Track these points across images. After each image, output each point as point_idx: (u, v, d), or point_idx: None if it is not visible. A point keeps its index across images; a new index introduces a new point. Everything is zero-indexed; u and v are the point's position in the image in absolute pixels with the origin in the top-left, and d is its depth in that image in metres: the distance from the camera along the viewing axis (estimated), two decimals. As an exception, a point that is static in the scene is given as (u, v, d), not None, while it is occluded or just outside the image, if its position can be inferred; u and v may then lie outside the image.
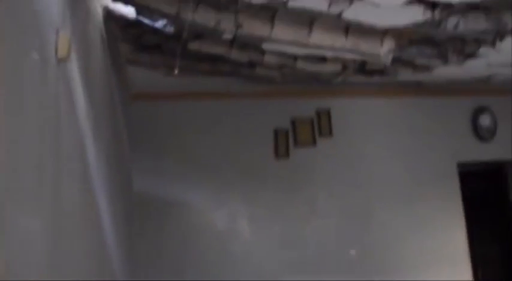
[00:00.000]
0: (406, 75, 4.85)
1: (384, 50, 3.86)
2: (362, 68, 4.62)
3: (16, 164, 1.69)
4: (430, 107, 6.49)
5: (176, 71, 4.93)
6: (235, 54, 4.21)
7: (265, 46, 3.89)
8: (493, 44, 3.80)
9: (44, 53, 3.00)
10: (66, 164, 2.63)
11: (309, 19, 3.51)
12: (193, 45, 4.26)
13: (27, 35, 2.66)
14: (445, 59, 4.24)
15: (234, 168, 5.93)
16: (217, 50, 4.19)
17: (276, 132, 6.05)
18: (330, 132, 6.12)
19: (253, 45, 3.95)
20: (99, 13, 4.82)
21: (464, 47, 4.02)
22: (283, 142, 6.02)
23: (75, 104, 3.37)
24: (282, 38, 3.60)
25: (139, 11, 4.11)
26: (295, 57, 4.24)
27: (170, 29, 4.37)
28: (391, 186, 6.17)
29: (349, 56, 3.96)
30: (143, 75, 5.75)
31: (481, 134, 6.62)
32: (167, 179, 5.87)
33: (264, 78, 5.06)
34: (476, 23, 3.48)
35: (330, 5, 3.06)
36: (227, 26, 3.57)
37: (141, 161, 5.72)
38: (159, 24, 4.36)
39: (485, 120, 6.66)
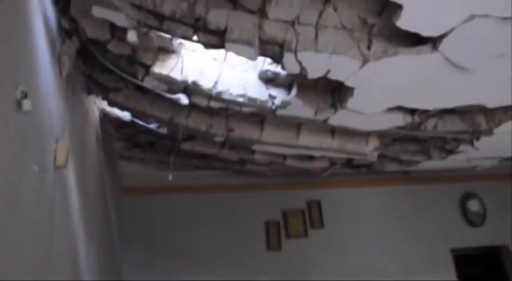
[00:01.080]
0: (392, 167, 5.02)
1: (369, 149, 4.04)
2: (349, 163, 4.78)
3: (12, 267, 1.75)
4: (418, 194, 6.61)
5: (169, 167, 5.06)
6: (226, 154, 4.37)
7: (256, 147, 4.05)
8: (471, 142, 4.00)
9: (43, 163, 3.10)
10: (58, 267, 2.66)
11: (296, 123, 3.71)
12: (186, 146, 4.42)
13: (29, 149, 2.78)
14: (428, 155, 4.42)
15: (226, 261, 5.87)
16: (209, 150, 4.35)
17: (268, 225, 6.08)
18: (321, 223, 6.17)
19: (244, 146, 4.11)
20: (96, 115, 5.03)
21: (445, 144, 4.22)
22: (275, 234, 6.04)
23: (70, 206, 3.42)
24: (272, 140, 3.77)
25: (134, 114, 4.31)
26: (284, 156, 4.40)
27: (163, 130, 4.56)
28: (385, 275, 6.10)
29: (336, 155, 4.13)
30: (135, 170, 5.86)
31: (471, 220, 6.69)
32: (158, 273, 5.76)
33: (255, 173, 5.19)
34: (453, 125, 3.69)
35: (316, 113, 3.26)
36: (218, 130, 3.74)
37: (133, 254, 5.66)
38: (153, 125, 4.56)
39: (474, 206, 6.77)
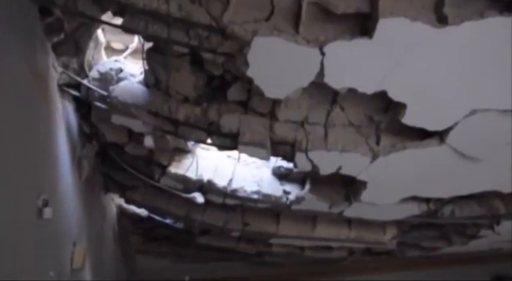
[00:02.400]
0: (414, 253, 4.89)
1: (387, 238, 3.98)
2: (368, 250, 4.68)
3: None
4: (443, 278, 6.34)
5: (186, 260, 5.00)
6: (243, 247, 4.34)
7: (273, 241, 4.03)
8: (491, 227, 3.93)
9: (61, 267, 3.11)
10: None
11: (312, 215, 3.71)
12: (203, 240, 4.42)
13: (47, 255, 2.81)
14: (449, 241, 4.33)
15: None
16: (226, 244, 4.33)
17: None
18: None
19: (260, 239, 4.09)
20: (113, 211, 5.09)
21: (465, 230, 4.15)
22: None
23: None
24: (288, 233, 3.76)
25: (151, 211, 4.37)
26: (302, 247, 4.35)
27: (180, 225, 4.58)
28: None
29: (354, 245, 4.07)
30: (152, 263, 5.80)
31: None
32: None
33: (273, 264, 5.10)
34: (471, 210, 3.66)
35: (330, 207, 3.27)
36: (235, 225, 3.76)
37: None
38: (170, 220, 4.59)
39: (507, 290, 6.45)
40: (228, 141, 2.79)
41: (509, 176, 3.18)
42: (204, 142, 2.92)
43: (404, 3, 2.20)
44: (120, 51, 5.55)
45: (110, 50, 5.01)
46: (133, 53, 3.48)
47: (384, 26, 2.15)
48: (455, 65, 2.33)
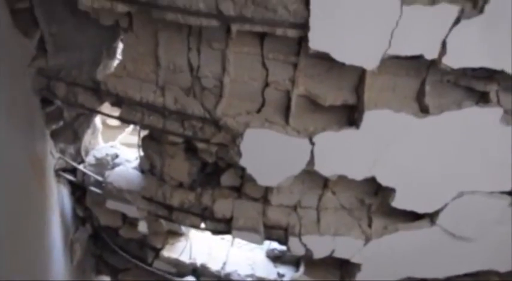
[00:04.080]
0: None
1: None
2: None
3: None
4: None
5: None
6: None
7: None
8: (490, 305, 3.87)
9: None
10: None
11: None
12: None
13: None
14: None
15: None
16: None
17: None
18: None
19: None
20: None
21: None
22: None
23: None
24: (284, 316, 3.66)
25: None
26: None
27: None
28: None
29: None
30: None
31: None
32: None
33: None
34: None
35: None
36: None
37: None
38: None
39: None
40: (222, 226, 2.82)
41: (503, 255, 3.19)
42: (198, 227, 2.93)
43: (388, 94, 2.34)
44: (115, 128, 5.69)
45: (106, 126, 5.13)
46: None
47: (370, 117, 2.27)
48: (439, 150, 2.43)
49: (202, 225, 2.90)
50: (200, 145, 2.57)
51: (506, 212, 2.71)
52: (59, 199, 3.35)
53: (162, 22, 2.35)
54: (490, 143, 2.39)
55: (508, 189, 2.58)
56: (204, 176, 2.86)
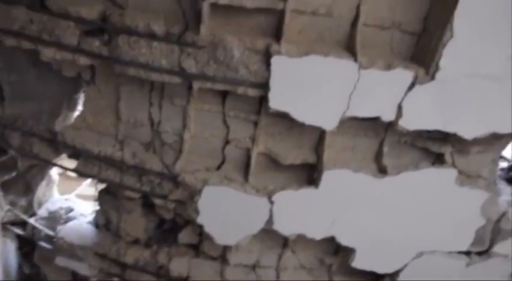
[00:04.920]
0: None
1: None
2: None
3: None
4: None
5: None
6: None
7: None
8: None
9: None
10: None
11: None
12: None
13: None
14: None
15: None
16: None
17: None
18: None
19: None
20: None
21: None
22: None
23: None
24: None
25: None
26: None
27: None
28: None
29: None
30: None
31: None
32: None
33: None
34: None
35: None
36: None
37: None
38: None
39: None
40: (178, 286, 2.71)
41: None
42: (152, 287, 2.81)
43: (347, 155, 2.37)
44: (74, 179, 5.51)
45: (65, 177, 4.96)
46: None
47: (329, 176, 2.28)
48: (398, 210, 2.45)
49: (158, 284, 2.78)
50: (158, 201, 2.51)
51: (464, 272, 2.72)
52: (3, 254, 3.16)
53: (124, 76, 2.34)
54: (446, 203, 2.43)
55: (464, 249, 2.60)
56: (160, 233, 2.77)
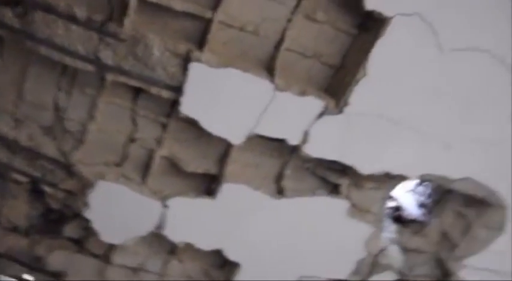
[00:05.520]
0: None
1: None
2: None
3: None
4: None
5: None
6: None
7: None
8: None
9: None
10: None
11: None
12: None
13: None
14: None
15: None
16: None
17: None
18: None
19: None
20: None
21: None
22: None
23: None
24: None
25: None
26: None
27: None
28: None
29: None
30: None
31: None
32: None
33: None
34: None
35: None
36: None
37: None
38: None
39: None
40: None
41: None
42: (20, 279, 2.63)
43: (250, 171, 2.41)
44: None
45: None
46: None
47: (228, 190, 2.31)
48: (288, 233, 2.53)
49: (28, 277, 2.61)
50: (47, 189, 2.37)
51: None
52: None
53: (35, 55, 2.21)
54: (334, 232, 2.55)
55: (343, 278, 2.74)
56: (44, 223, 2.62)
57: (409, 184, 3.05)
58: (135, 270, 2.61)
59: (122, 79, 2.14)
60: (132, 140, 2.34)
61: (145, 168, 2.34)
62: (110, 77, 2.15)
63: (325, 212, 2.47)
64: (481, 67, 2.19)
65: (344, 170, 2.46)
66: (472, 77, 2.24)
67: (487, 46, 2.14)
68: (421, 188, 3.05)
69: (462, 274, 3.07)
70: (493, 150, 2.45)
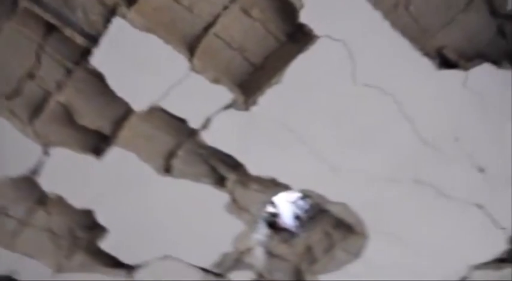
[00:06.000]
0: None
1: None
2: None
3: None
4: None
5: None
6: None
7: None
8: None
9: None
10: None
11: None
12: None
13: None
14: None
15: None
16: None
17: None
18: None
19: None
20: None
21: None
22: None
23: None
24: None
25: None
26: None
27: None
28: None
29: None
30: None
31: None
32: None
33: None
34: None
35: None
36: None
37: None
38: None
39: None
40: None
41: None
42: None
43: (143, 142, 2.38)
44: None
45: None
46: None
47: (115, 153, 2.26)
48: (164, 209, 2.54)
49: None
50: None
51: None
52: None
53: None
54: (208, 221, 2.60)
55: (205, 266, 2.80)
56: None
57: (292, 196, 3.20)
58: (-4, 212, 2.45)
59: (36, 9, 1.99)
60: (31, 76, 2.19)
61: (37, 109, 2.20)
62: (23, 3, 2.00)
63: (204, 200, 2.51)
64: (383, 108, 2.37)
65: (235, 166, 2.51)
66: (373, 115, 2.41)
67: (392, 91, 2.31)
68: (301, 202, 3.22)
69: (315, 286, 3.27)
70: (372, 184, 2.66)
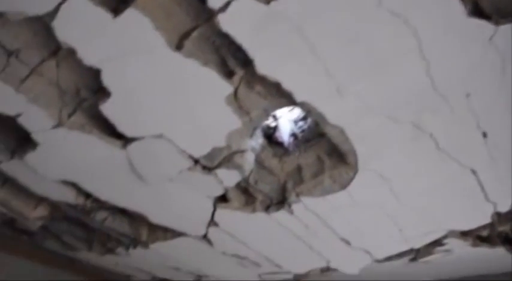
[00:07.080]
0: (53, 246, 4.81)
1: (33, 215, 3.86)
2: (12, 223, 4.40)
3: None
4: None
5: None
6: None
7: None
8: (127, 248, 4.25)
9: None
10: None
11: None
12: None
13: None
14: (89, 246, 4.46)
15: None
16: None
17: None
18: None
19: None
20: None
21: (108, 241, 4.36)
22: None
23: None
24: None
25: None
26: None
27: None
28: None
29: (-1, 207, 3.82)
30: None
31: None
32: None
33: None
34: (120, 225, 3.91)
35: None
36: None
37: None
38: None
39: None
40: None
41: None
42: None
43: (162, 15, 2.34)
44: None
45: None
46: None
47: (133, 15, 2.24)
48: (159, 87, 2.59)
49: None
50: None
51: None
52: None
53: None
54: (202, 107, 2.67)
55: (196, 156, 2.90)
56: None
57: (294, 114, 3.24)
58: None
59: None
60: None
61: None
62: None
63: (207, 86, 2.54)
64: (402, 39, 2.33)
65: (245, 63, 2.51)
66: (390, 44, 2.38)
67: (416, 25, 2.26)
68: (301, 123, 3.26)
69: (294, 206, 3.40)
70: (373, 117, 2.69)
